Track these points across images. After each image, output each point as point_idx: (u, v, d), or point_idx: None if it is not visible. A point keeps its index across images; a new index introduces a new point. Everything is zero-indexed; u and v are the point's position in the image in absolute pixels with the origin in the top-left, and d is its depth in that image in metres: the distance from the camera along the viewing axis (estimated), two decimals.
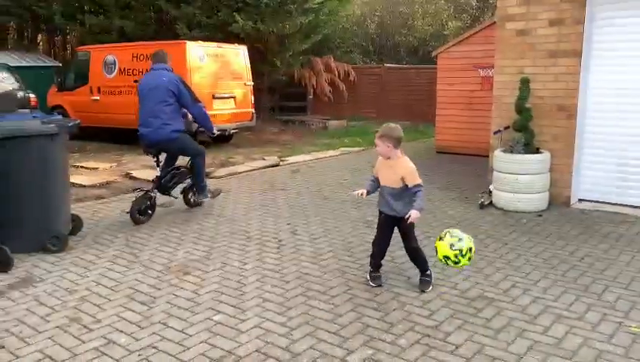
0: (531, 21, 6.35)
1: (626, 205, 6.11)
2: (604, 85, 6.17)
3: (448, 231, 3.64)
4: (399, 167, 3.74)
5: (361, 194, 3.92)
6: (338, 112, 17.60)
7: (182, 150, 5.99)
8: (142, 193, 5.81)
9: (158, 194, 5.97)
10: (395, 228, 3.95)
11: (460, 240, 3.54)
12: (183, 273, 4.26)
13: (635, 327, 3.33)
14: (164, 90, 5.60)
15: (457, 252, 3.51)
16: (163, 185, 5.97)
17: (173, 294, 3.85)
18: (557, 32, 6.18)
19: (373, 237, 4.10)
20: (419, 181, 3.72)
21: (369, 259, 4.10)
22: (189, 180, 6.23)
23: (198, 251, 4.80)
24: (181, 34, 13.49)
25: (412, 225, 3.79)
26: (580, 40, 6.06)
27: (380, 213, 3.96)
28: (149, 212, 5.80)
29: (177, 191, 6.25)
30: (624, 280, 4.08)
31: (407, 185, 3.72)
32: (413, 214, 3.66)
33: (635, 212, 5.96)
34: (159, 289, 3.95)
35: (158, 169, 5.96)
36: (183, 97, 5.68)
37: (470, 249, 3.55)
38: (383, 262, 4.08)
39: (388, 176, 3.81)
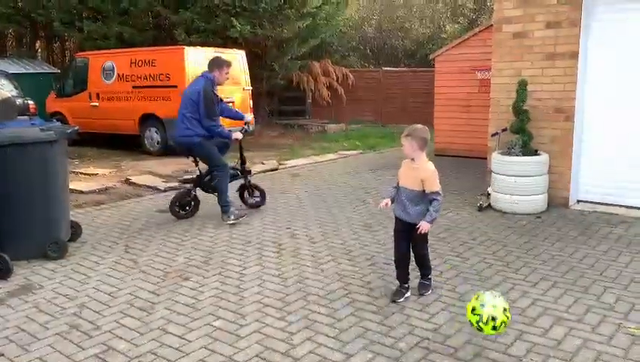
0: (528, 23, 6.36)
1: (625, 206, 6.12)
2: (602, 87, 6.18)
3: (478, 294, 3.14)
4: (421, 170, 3.70)
5: (386, 205, 3.84)
6: (337, 116, 17.65)
7: (204, 156, 6.01)
8: (184, 190, 6.16)
9: (200, 191, 6.18)
10: None
11: (482, 305, 2.99)
12: (183, 278, 4.26)
13: (634, 329, 3.34)
14: (186, 98, 5.77)
15: (478, 318, 3.00)
16: (204, 183, 6.14)
17: (173, 300, 3.86)
18: (554, 34, 6.19)
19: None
20: (437, 188, 3.67)
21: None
22: (241, 180, 6.42)
23: (197, 256, 4.80)
24: (179, 39, 13.51)
25: (424, 234, 3.76)
26: (576, 42, 6.08)
27: (395, 219, 3.90)
28: (188, 208, 6.09)
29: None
30: (623, 282, 4.09)
31: (424, 191, 3.68)
32: (424, 226, 3.65)
33: (634, 213, 5.96)
34: (158, 295, 3.95)
35: (197, 168, 6.14)
36: (200, 108, 5.72)
37: (494, 318, 2.95)
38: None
39: (408, 177, 3.76)
